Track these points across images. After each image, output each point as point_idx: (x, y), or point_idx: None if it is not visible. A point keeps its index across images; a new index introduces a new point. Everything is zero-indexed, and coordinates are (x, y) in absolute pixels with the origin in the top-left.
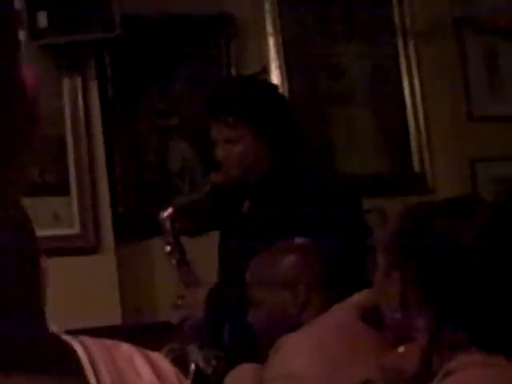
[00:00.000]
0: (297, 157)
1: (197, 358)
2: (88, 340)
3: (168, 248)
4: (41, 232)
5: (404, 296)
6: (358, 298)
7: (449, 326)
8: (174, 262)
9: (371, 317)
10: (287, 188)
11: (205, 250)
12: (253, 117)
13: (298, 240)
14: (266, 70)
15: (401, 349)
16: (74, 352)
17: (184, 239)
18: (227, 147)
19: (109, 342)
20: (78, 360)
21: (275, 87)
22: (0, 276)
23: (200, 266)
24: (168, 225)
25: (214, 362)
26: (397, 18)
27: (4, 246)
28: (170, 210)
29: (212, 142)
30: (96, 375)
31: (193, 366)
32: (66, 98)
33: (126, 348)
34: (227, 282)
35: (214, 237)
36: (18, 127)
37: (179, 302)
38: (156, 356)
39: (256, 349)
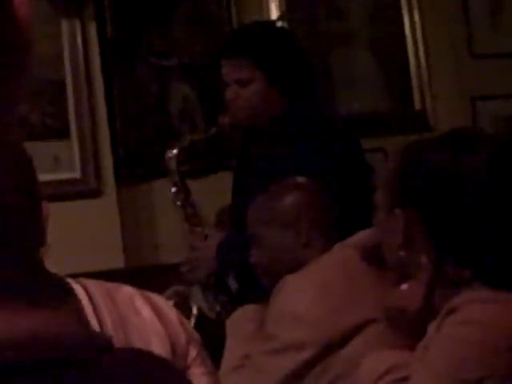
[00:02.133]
0: (307, 104)
1: (200, 302)
2: (89, 282)
3: (173, 189)
4: (41, 176)
5: (407, 233)
6: (360, 237)
7: (452, 262)
8: (178, 203)
9: (373, 256)
10: (294, 137)
11: (209, 192)
12: (265, 60)
13: (300, 178)
14: (283, 16)
15: (403, 286)
16: (73, 291)
17: (188, 182)
18: (236, 89)
19: (110, 285)
20: (76, 298)
21: (292, 34)
22: (2, 226)
23: (204, 207)
24: (174, 165)
25: (217, 307)
26: None
27: (5, 187)
28: (175, 151)
29: (221, 84)
30: (96, 314)
31: (195, 310)
32: (65, 41)
33: (126, 290)
34: (236, 225)
35: (218, 178)
36: (9, 53)
37: (190, 255)
38: (156, 297)
39: (260, 292)
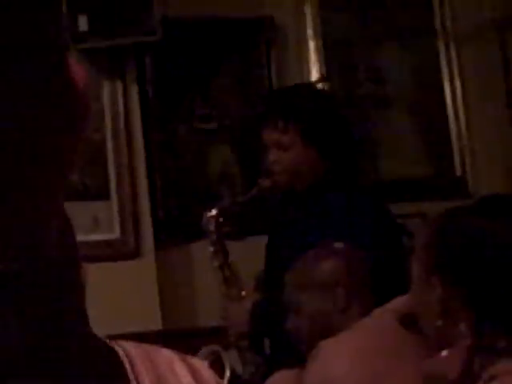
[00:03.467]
0: (349, 167)
1: (234, 363)
2: (128, 345)
3: (212, 249)
4: (81, 237)
5: (444, 302)
6: (398, 303)
7: (491, 330)
8: (216, 263)
9: (411, 322)
10: (330, 200)
11: (247, 254)
12: (304, 123)
13: (338, 244)
14: (324, 78)
15: (443, 354)
16: (118, 355)
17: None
18: (277, 152)
19: (149, 347)
20: (121, 364)
21: (331, 96)
22: (45, 281)
23: (242, 269)
24: (212, 225)
25: (252, 368)
26: (438, 21)
27: (48, 245)
28: (214, 211)
29: (262, 148)
30: (136, 379)
31: (228, 372)
32: (107, 102)
33: (165, 353)
34: (271, 289)
35: (256, 241)
36: (69, 124)
37: (223, 315)
38: (196, 362)
39: (296, 357)
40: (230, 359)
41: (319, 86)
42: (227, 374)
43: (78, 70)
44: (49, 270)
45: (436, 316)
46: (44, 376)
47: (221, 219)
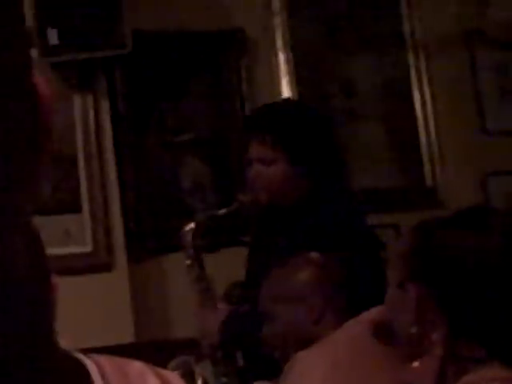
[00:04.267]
0: (332, 186)
1: (206, 374)
2: (100, 358)
3: (188, 261)
4: (53, 250)
5: (418, 310)
6: (372, 313)
7: (466, 340)
8: (193, 276)
9: (385, 333)
10: (310, 215)
11: (221, 266)
12: (290, 142)
13: (313, 254)
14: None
15: (415, 363)
16: (86, 369)
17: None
18: (260, 168)
19: (121, 360)
20: (89, 377)
21: (321, 116)
22: (11, 294)
23: (216, 281)
24: (189, 238)
25: (224, 379)
26: (407, 31)
27: (16, 264)
28: (192, 225)
29: (242, 162)
30: None
31: (200, 382)
32: (77, 116)
33: (138, 366)
34: (248, 300)
35: (231, 253)
36: (33, 139)
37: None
38: (168, 374)
39: (269, 368)
40: (203, 370)
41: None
42: (199, 383)
43: (42, 84)
44: (17, 288)
45: (410, 323)
46: None
47: (198, 233)
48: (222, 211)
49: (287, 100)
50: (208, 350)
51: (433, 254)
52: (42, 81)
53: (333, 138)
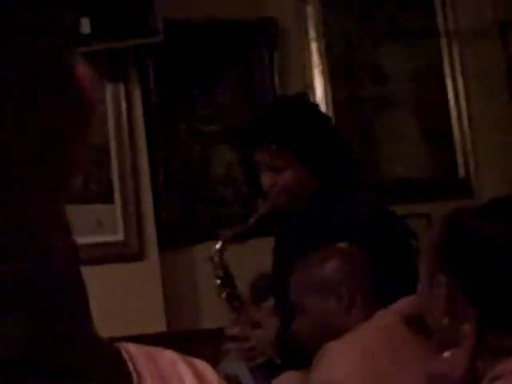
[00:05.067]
0: (341, 178)
1: (248, 380)
2: (131, 346)
3: (218, 281)
4: (85, 239)
5: (450, 301)
6: (403, 304)
7: (495, 330)
8: (224, 295)
9: (416, 323)
10: (331, 211)
11: (247, 257)
12: (296, 145)
13: (341, 244)
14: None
15: (446, 354)
16: (123, 357)
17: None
18: (271, 175)
19: (152, 349)
20: (126, 365)
21: (317, 109)
22: (49, 281)
23: (242, 272)
24: (217, 259)
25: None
26: (440, 21)
27: (52, 251)
28: (218, 245)
29: (255, 163)
30: (140, 381)
31: None
32: (109, 106)
33: (169, 354)
34: (278, 293)
35: (258, 244)
36: (73, 121)
37: (245, 344)
38: (199, 363)
39: (304, 360)
40: (235, 369)
41: (304, 99)
42: None
43: (84, 69)
44: (52, 270)
45: (441, 314)
46: (49, 377)
47: (225, 250)
48: (244, 226)
49: (281, 102)
50: (259, 365)
51: (462, 244)
52: (85, 69)
53: (333, 129)
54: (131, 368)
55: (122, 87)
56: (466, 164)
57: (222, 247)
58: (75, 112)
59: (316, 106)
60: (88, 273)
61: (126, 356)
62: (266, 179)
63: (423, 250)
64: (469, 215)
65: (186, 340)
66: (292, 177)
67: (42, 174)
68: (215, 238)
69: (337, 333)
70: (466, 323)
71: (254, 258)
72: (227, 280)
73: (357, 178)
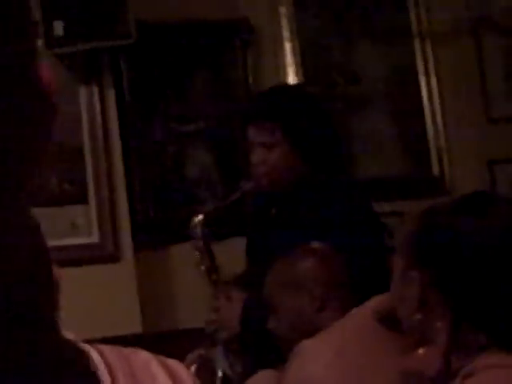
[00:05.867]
0: (328, 169)
1: (223, 364)
2: (105, 348)
3: (198, 254)
4: (59, 241)
5: (422, 296)
6: (376, 301)
7: (468, 326)
8: (203, 268)
9: (389, 320)
10: (312, 202)
11: (231, 255)
12: (290, 125)
13: (316, 244)
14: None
15: (420, 351)
16: (90, 359)
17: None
18: (262, 152)
19: (126, 350)
20: (93, 367)
21: (317, 99)
22: (13, 284)
23: (226, 270)
24: (199, 231)
25: (239, 369)
26: (413, 20)
27: (16, 254)
28: (200, 217)
29: (244, 148)
30: (113, 382)
31: (220, 373)
32: (83, 107)
33: (143, 355)
34: (253, 291)
35: (240, 242)
36: (34, 125)
37: (213, 317)
38: (173, 363)
39: (277, 355)
40: (219, 362)
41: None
42: (219, 375)
43: (45, 70)
44: (18, 274)
45: (414, 310)
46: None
47: (206, 224)
48: (227, 200)
49: (282, 85)
50: (226, 341)
51: (435, 241)
52: (46, 70)
53: (330, 119)
54: (105, 372)
55: (95, 88)
56: (440, 162)
57: (203, 220)
58: (36, 111)
59: (314, 96)
60: (63, 275)
61: (99, 359)
62: (256, 155)
63: (397, 248)
64: (441, 212)
65: (162, 341)
66: (281, 156)
67: (2, 174)
68: (191, 239)
69: (311, 331)
70: (439, 321)
71: (237, 256)
72: (206, 252)
73: (344, 169)
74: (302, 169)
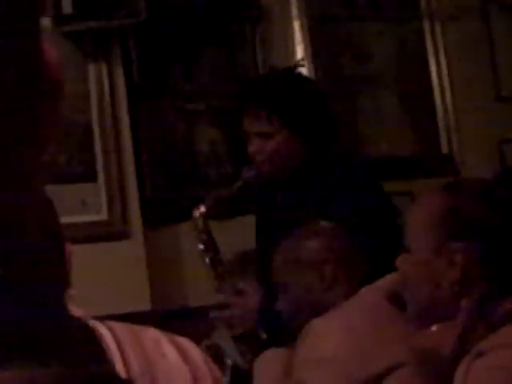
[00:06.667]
0: (328, 150)
1: (232, 353)
2: (115, 325)
3: (201, 246)
4: (69, 219)
5: (464, 268)
6: (386, 280)
7: (499, 298)
8: (207, 260)
9: (399, 299)
10: (317, 183)
11: (232, 234)
12: (287, 113)
13: (323, 223)
14: (302, 63)
15: (435, 328)
16: (100, 335)
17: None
18: (259, 142)
19: (136, 328)
20: (103, 343)
21: (311, 81)
22: (24, 260)
23: (227, 250)
24: (201, 223)
25: (250, 357)
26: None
27: (30, 231)
28: (202, 209)
29: (243, 133)
30: (123, 359)
31: (229, 362)
32: (92, 85)
33: (152, 332)
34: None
35: (241, 221)
36: (42, 103)
37: (226, 312)
38: (184, 341)
39: (288, 335)
40: (229, 351)
41: (297, 71)
42: (229, 364)
43: (50, 49)
44: (30, 251)
45: (452, 283)
46: (24, 360)
47: (209, 215)
48: (228, 191)
49: (277, 72)
50: (240, 332)
51: (493, 213)
52: (50, 48)
53: (326, 103)
54: (115, 350)
55: (104, 67)
56: (450, 141)
57: (205, 212)
58: (42, 87)
59: (307, 78)
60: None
61: (109, 336)
62: (254, 146)
63: (416, 226)
64: (477, 186)
65: (171, 318)
66: (280, 144)
67: (15, 151)
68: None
69: (320, 310)
70: (466, 297)
71: (241, 235)
72: (210, 245)
73: (346, 152)
74: (303, 153)
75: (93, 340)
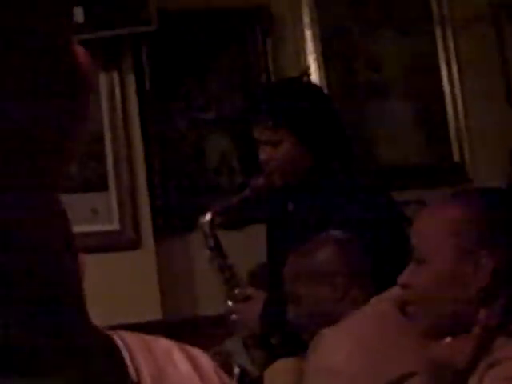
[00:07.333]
0: (336, 156)
1: (242, 359)
2: (127, 335)
3: (209, 253)
4: (80, 228)
5: (494, 275)
6: (396, 290)
7: None
8: (215, 266)
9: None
10: (327, 190)
11: (242, 244)
12: (294, 121)
13: (334, 232)
14: (308, 72)
15: (449, 340)
16: (115, 344)
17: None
18: (268, 150)
19: (147, 337)
20: (119, 352)
21: (318, 89)
22: (42, 270)
23: (237, 259)
24: (208, 230)
25: (261, 361)
26: (434, 6)
27: (44, 240)
28: (208, 216)
29: (254, 142)
30: (135, 369)
31: (237, 370)
32: (104, 94)
33: (164, 342)
34: (274, 282)
35: (255, 230)
36: (73, 100)
37: (233, 317)
38: (195, 351)
39: (298, 346)
40: (238, 358)
41: (304, 79)
42: (236, 372)
43: (83, 53)
44: (47, 261)
45: (479, 289)
46: (43, 371)
47: (216, 222)
48: (236, 198)
49: (285, 81)
50: (246, 339)
51: (497, 219)
52: (82, 50)
53: (334, 111)
54: (128, 359)
55: (116, 76)
56: (461, 149)
57: (212, 219)
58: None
59: (315, 86)
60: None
61: (121, 346)
62: (263, 154)
63: (436, 231)
64: (499, 193)
65: (182, 328)
66: (288, 151)
67: (41, 160)
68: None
69: (331, 320)
70: (487, 308)
71: (251, 245)
72: (218, 251)
73: (352, 158)
74: (312, 161)
75: (112, 348)
